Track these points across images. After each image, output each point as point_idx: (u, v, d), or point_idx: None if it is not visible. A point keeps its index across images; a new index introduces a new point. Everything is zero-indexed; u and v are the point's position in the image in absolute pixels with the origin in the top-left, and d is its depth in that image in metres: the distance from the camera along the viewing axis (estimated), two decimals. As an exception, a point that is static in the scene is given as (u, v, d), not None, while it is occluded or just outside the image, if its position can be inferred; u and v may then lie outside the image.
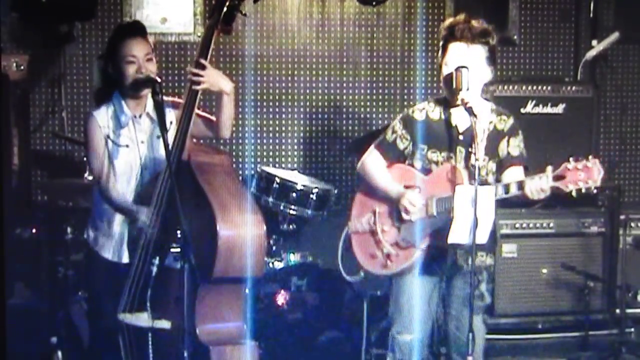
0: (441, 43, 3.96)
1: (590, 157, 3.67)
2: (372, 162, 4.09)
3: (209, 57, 3.84)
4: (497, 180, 3.93)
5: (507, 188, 3.77)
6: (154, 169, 3.93)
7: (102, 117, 3.95)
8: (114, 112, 3.96)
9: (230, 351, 3.68)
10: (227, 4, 3.83)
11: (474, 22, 3.92)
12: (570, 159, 3.67)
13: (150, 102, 3.93)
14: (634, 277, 5.69)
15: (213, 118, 4.00)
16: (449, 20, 4.01)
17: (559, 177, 3.66)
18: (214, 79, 3.85)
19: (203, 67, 3.81)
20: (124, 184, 3.95)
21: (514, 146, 3.98)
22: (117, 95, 3.97)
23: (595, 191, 3.69)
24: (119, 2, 6.01)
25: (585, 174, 3.64)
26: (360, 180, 4.22)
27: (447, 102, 3.98)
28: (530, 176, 3.74)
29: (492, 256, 4.07)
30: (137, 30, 3.98)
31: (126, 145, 3.94)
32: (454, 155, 3.92)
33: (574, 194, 3.66)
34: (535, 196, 3.70)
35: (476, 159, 3.68)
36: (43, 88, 6.00)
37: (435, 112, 3.99)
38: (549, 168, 3.69)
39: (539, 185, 3.67)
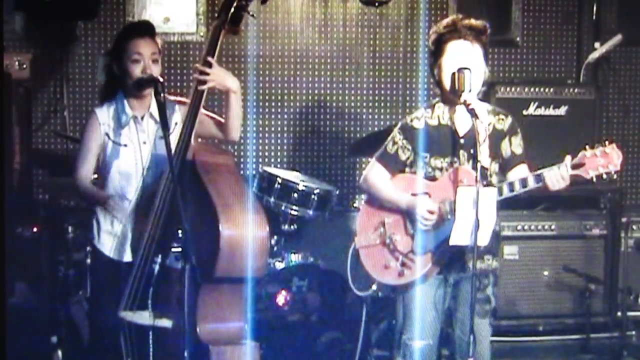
0: (434, 43, 3.90)
1: (606, 142, 3.70)
2: (376, 175, 4.03)
3: (215, 56, 3.83)
4: (501, 181, 3.91)
5: (524, 182, 3.77)
6: (158, 169, 3.92)
7: (103, 114, 3.96)
8: (115, 111, 3.96)
9: (231, 351, 3.68)
10: (235, 4, 3.82)
11: (472, 20, 3.89)
12: (587, 147, 3.70)
13: (154, 103, 3.92)
14: (636, 280, 5.69)
15: (222, 120, 3.99)
16: (445, 20, 3.93)
17: (578, 165, 3.69)
18: (220, 77, 3.84)
19: (210, 66, 3.80)
20: (122, 183, 3.94)
21: (517, 145, 3.98)
22: (121, 94, 3.97)
23: (615, 176, 3.72)
24: (122, 2, 6.01)
25: (605, 160, 3.67)
26: (365, 194, 4.18)
27: (444, 106, 3.96)
28: (548, 167, 3.74)
29: (497, 259, 4.06)
30: (146, 30, 3.97)
31: (125, 144, 3.94)
32: (458, 160, 3.89)
33: (594, 179, 3.69)
34: (555, 186, 3.71)
35: (478, 161, 3.66)
36: (45, 87, 6.00)
37: (434, 119, 3.95)
38: (568, 157, 3.71)
39: (559, 174, 3.69)
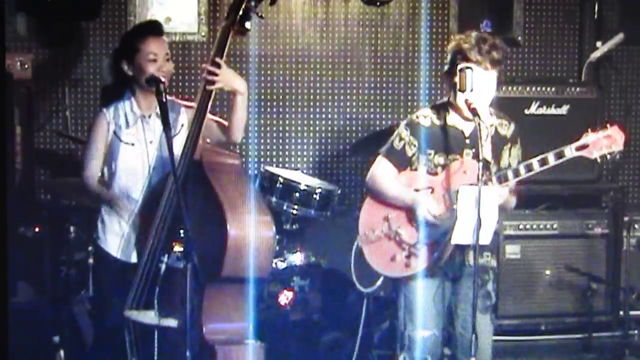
0: (453, 55, 3.88)
1: (607, 125, 3.75)
2: (383, 171, 4.04)
3: (224, 57, 3.84)
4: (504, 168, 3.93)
5: (529, 166, 3.79)
6: (164, 169, 3.92)
7: (112, 114, 3.98)
8: (123, 110, 3.98)
9: (237, 351, 3.69)
10: (244, 5, 3.83)
11: (495, 53, 3.84)
12: (589, 130, 3.73)
13: None
14: (638, 279, 5.69)
15: (225, 122, 4.00)
16: (471, 39, 3.85)
17: (582, 147, 3.74)
18: (228, 78, 3.85)
19: (219, 66, 3.81)
20: (128, 181, 3.95)
21: (515, 156, 4.01)
22: (128, 93, 3.99)
23: (618, 157, 3.77)
24: (124, 2, 6.01)
25: (608, 140, 3.72)
26: (369, 191, 4.17)
27: (448, 108, 3.98)
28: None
29: (495, 257, 4.07)
30: (159, 29, 4.01)
31: (132, 143, 3.95)
32: (461, 158, 3.91)
33: (598, 160, 3.75)
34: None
35: (480, 161, 3.67)
36: (47, 87, 6.01)
37: (440, 119, 3.98)
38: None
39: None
